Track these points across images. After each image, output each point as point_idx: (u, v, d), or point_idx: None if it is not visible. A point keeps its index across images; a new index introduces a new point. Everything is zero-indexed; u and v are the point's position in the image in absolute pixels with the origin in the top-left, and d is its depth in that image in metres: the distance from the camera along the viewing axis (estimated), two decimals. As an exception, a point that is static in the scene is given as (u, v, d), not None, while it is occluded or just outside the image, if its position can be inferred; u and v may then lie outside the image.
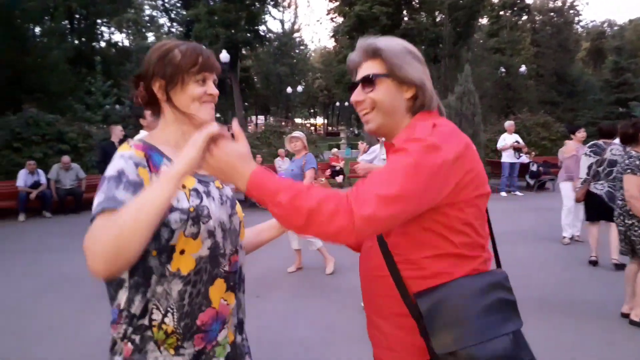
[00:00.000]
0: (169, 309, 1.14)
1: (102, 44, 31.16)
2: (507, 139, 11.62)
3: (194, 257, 1.16)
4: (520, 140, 11.66)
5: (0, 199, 9.40)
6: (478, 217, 1.15)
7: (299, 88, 44.30)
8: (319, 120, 73.35)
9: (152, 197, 0.99)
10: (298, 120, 53.51)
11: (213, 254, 1.20)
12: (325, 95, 58.33)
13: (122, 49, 30.82)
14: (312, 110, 67.90)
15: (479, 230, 1.15)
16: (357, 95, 1.25)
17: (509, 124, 11.94)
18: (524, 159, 11.98)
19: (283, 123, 21.59)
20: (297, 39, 49.35)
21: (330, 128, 65.84)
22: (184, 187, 1.17)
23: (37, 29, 19.19)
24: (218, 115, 22.48)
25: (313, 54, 59.56)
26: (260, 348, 3.21)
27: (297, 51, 49.07)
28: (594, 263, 5.44)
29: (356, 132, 51.73)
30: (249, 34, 32.25)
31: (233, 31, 30.07)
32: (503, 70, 25.89)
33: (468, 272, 1.13)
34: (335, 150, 17.61)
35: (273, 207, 1.02)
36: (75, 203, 9.97)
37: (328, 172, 14.33)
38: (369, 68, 1.25)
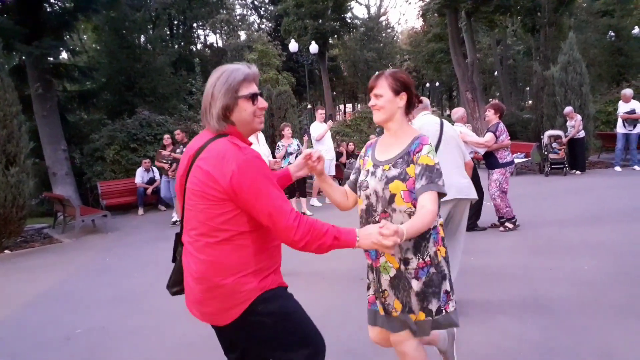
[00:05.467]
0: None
1: (199, 46, 33.10)
2: (620, 108, 10.60)
3: (360, 208, 2.10)
4: (637, 109, 10.48)
5: (122, 195, 10.50)
6: None
7: (387, 72, 43.50)
8: (409, 104, 71.76)
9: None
10: (387, 105, 52.79)
11: (368, 209, 2.05)
12: (414, 76, 56.87)
13: (217, 49, 32.49)
14: (401, 94, 66.61)
15: None
16: None
17: (624, 91, 10.80)
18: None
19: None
20: (384, 23, 48.51)
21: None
22: (366, 168, 2.11)
23: (142, 38, 20.89)
24: (309, 106, 22.59)
25: (400, 36, 58.21)
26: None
27: (383, 35, 48.26)
28: None
29: (447, 112, 49.92)
30: (335, 23, 32.34)
31: (320, 21, 30.34)
32: (612, 34, 23.35)
33: None
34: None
35: None
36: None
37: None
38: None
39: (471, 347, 3.04)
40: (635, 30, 22.81)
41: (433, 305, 2.00)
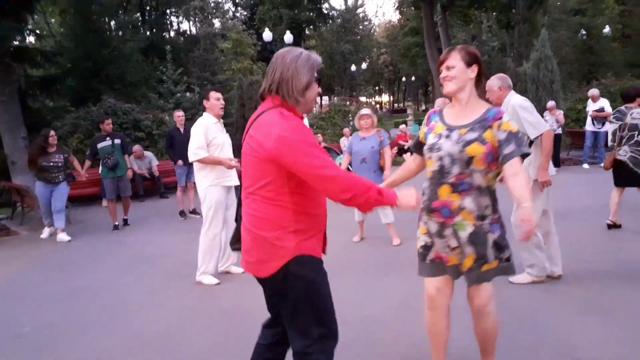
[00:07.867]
0: (423, 194, 2.28)
1: (172, 34, 32.33)
2: (590, 106, 10.81)
3: (430, 170, 2.25)
4: (606, 107, 10.66)
5: (86, 186, 10.10)
6: None
7: (363, 65, 43.54)
8: (385, 98, 72.05)
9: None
10: (363, 99, 52.79)
11: (441, 170, 2.18)
12: (391, 70, 57.03)
13: (190, 36, 31.81)
14: (377, 88, 66.76)
15: None
16: None
17: (591, 92, 11.00)
18: (608, 127, 10.89)
19: (347, 102, 21.38)
20: (361, 15, 48.36)
21: (395, 105, 64.52)
22: (436, 131, 2.25)
23: (112, 23, 20.22)
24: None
25: (377, 29, 58.20)
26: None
27: (360, 27, 48.13)
28: (608, 226, 5.56)
29: (423, 107, 50.29)
30: (312, 13, 32.07)
31: (296, 11, 30.02)
32: (584, 33, 23.83)
33: None
34: (402, 126, 17.17)
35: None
36: (154, 188, 10.59)
37: (395, 149, 13.95)
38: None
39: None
40: (606, 29, 23.31)
41: (505, 254, 2.27)
